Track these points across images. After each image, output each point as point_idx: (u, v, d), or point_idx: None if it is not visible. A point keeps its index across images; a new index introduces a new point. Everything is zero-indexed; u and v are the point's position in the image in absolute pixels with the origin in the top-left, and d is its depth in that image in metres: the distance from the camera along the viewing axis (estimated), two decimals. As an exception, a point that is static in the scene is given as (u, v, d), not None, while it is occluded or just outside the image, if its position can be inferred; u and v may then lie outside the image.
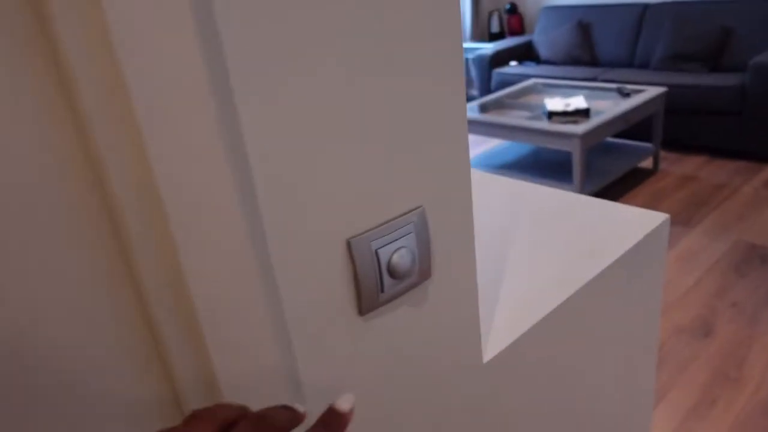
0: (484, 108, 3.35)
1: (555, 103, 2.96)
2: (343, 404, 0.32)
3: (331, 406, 0.32)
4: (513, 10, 4.98)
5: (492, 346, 0.64)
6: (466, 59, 5.09)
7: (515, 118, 3.04)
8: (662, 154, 3.56)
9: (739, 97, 3.19)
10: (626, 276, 0.84)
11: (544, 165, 3.23)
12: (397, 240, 0.47)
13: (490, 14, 5.11)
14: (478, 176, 1.15)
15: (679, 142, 3.59)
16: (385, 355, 0.51)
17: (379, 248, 0.46)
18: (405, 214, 0.47)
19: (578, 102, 2.96)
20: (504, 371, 0.65)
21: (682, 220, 2.77)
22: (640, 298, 0.90)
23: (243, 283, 0.38)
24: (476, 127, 3.14)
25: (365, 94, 0.41)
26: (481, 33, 5.16)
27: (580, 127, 2.68)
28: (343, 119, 0.41)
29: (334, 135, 0.40)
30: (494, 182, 1.11)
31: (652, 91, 3.13)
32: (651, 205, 2.95)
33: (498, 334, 0.66)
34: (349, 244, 0.44)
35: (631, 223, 0.90)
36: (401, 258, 0.47)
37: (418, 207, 0.48)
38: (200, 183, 0.34)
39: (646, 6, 4.05)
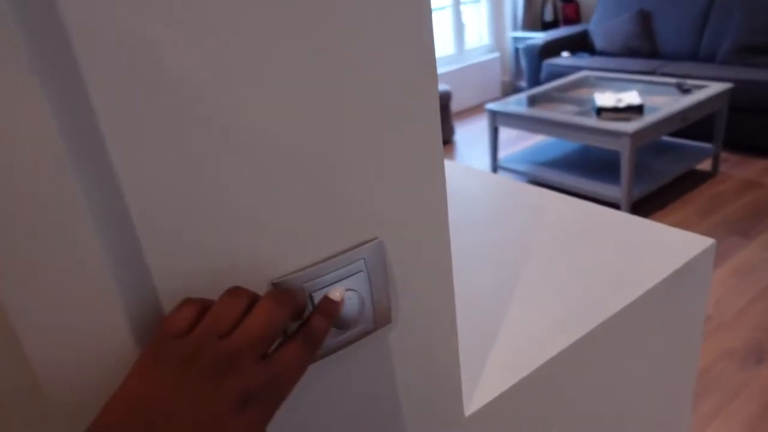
0: (532, 101, 3.18)
1: (605, 99, 2.77)
2: (335, 294, 0.36)
3: (326, 295, 0.36)
4: (569, -3, 4.73)
5: (480, 396, 0.54)
6: (516, 49, 4.88)
7: (562, 113, 2.87)
8: (723, 155, 3.29)
9: (816, 97, 2.90)
10: (658, 311, 0.72)
11: (593, 164, 3.04)
12: (342, 280, 0.38)
13: (544, 2, 4.87)
14: (495, 182, 1.04)
15: (743, 144, 3.31)
16: (331, 413, 0.42)
17: (314, 291, 0.37)
18: (353, 248, 0.38)
19: (631, 97, 2.75)
20: (494, 424, 0.55)
21: (740, 230, 2.54)
22: (675, 334, 0.78)
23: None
24: (519, 121, 2.98)
25: (288, 79, 0.32)
26: (534, 22, 4.92)
27: (631, 125, 2.49)
28: (262, 123, 0.32)
29: (250, 146, 0.32)
30: (516, 190, 1.00)
31: (715, 87, 2.89)
32: (706, 212, 2.73)
33: (491, 381, 0.56)
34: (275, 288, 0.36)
35: (669, 247, 0.77)
36: (346, 301, 0.38)
37: (372, 239, 0.39)
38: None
39: (715, -7, 3.75)
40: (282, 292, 0.33)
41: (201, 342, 0.29)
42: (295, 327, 0.34)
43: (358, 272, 0.39)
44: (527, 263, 0.76)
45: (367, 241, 0.39)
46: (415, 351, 0.46)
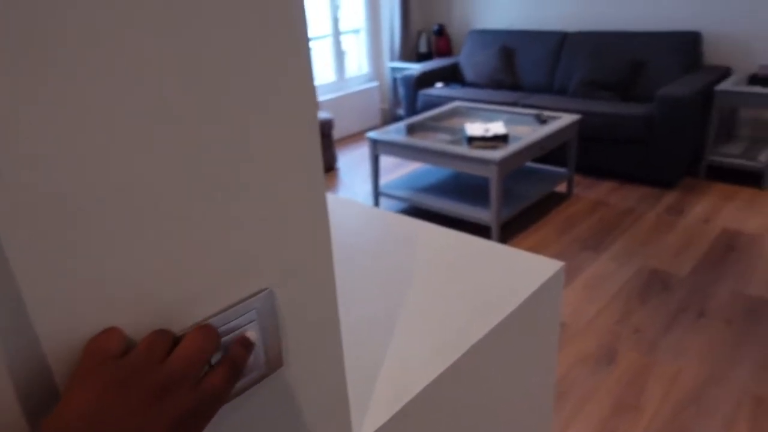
0: (410, 129, 3.36)
1: (475, 128, 3.01)
2: (250, 333, 0.41)
3: (244, 334, 0.40)
4: (441, 31, 5.07)
5: (370, 422, 0.59)
6: (394, 78, 5.12)
7: (437, 141, 3.06)
8: (577, 179, 3.71)
9: (646, 127, 3.37)
10: (519, 328, 0.82)
11: (465, 188, 3.27)
12: (236, 331, 0.41)
13: (419, 34, 5.17)
14: (374, 215, 1.10)
15: (592, 168, 3.76)
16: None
17: (212, 342, 0.40)
18: (244, 300, 0.41)
19: (497, 128, 3.01)
20: (380, 447, 0.60)
21: (591, 245, 2.87)
22: (535, 347, 0.88)
23: None
24: (399, 149, 3.13)
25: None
26: (410, 53, 5.21)
27: (498, 153, 2.73)
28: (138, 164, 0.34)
29: (135, 209, 0.34)
30: (394, 222, 1.07)
31: (567, 119, 3.25)
32: (563, 230, 3.05)
33: (379, 407, 0.61)
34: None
35: (527, 271, 0.88)
36: (241, 350, 0.41)
37: (264, 290, 0.43)
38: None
39: (565, 35, 4.23)
40: (207, 326, 0.37)
41: (138, 365, 0.31)
42: (218, 357, 0.38)
43: (251, 321, 0.42)
44: (406, 292, 0.83)
45: (258, 292, 0.42)
46: (306, 389, 0.49)
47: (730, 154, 3.47)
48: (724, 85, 3.33)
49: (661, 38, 3.74)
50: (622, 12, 4.08)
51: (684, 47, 3.65)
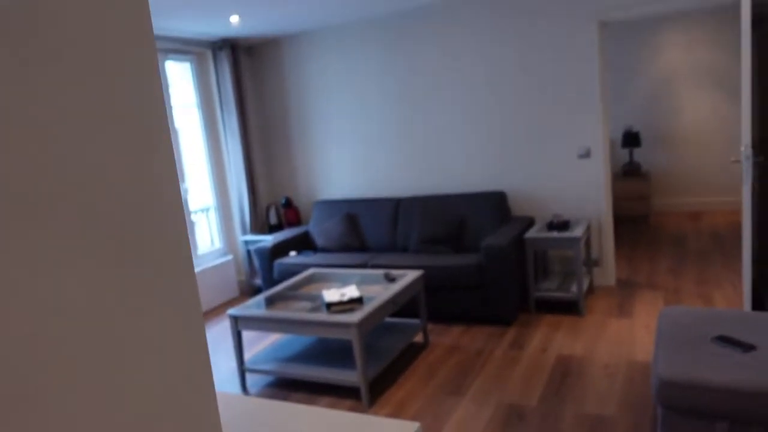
0: (270, 301, 3.46)
1: (331, 294, 3.21)
2: None
3: None
4: (289, 203, 5.45)
5: None
6: (248, 251, 5.28)
7: (297, 311, 3.19)
8: (430, 326, 4.02)
9: (478, 273, 3.86)
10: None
11: (330, 352, 3.37)
12: None
13: (268, 207, 5.50)
14: (241, 403, 1.18)
15: (441, 314, 4.11)
16: None
17: None
18: None
19: (352, 291, 3.25)
20: None
21: (453, 389, 3.08)
22: None
23: None
24: (260, 323, 3.19)
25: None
26: (261, 225, 5.47)
27: (356, 316, 2.92)
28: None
29: None
30: (259, 408, 1.16)
31: (412, 275, 3.61)
32: (427, 378, 3.24)
33: None
34: None
35: (389, 438, 1.01)
36: None
37: None
38: None
39: (399, 200, 4.82)
40: None
41: None
42: None
43: None
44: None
45: None
46: None
47: (549, 289, 4.07)
48: (531, 233, 4.01)
49: (477, 198, 4.45)
50: (442, 179, 4.82)
51: (495, 204, 4.38)
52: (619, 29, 6.59)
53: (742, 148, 2.99)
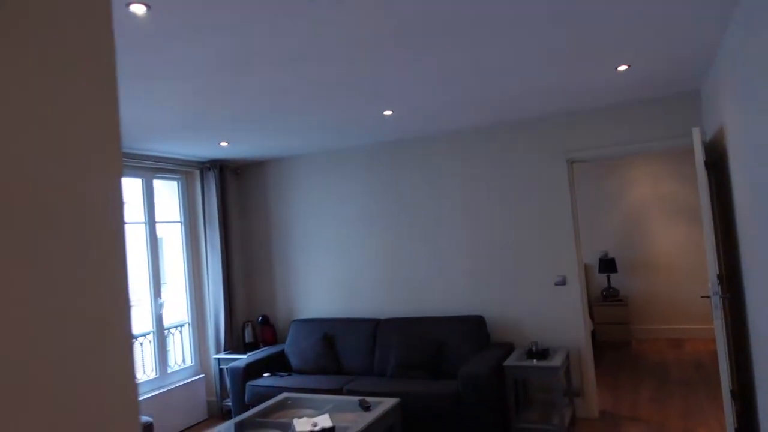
0: (239, 429, 3.28)
1: (303, 424, 3.07)
2: None
3: None
4: (266, 321, 5.35)
5: None
6: (221, 369, 5.09)
7: (265, 441, 3.02)
8: (406, 460, 3.79)
9: (454, 402, 3.74)
10: None
11: (298, 488, 3.15)
12: None
13: (245, 325, 5.39)
14: None
15: (419, 447, 3.91)
16: None
17: None
18: None
19: (324, 420, 3.11)
20: None
21: None
22: None
23: None
24: (225, 453, 3.00)
25: None
26: (236, 343, 5.33)
27: (326, 450, 2.77)
28: None
29: None
30: None
31: (388, 403, 3.48)
32: None
33: None
34: None
35: None
36: None
37: None
38: None
39: (378, 321, 4.77)
40: None
41: None
42: None
43: None
44: None
45: None
46: None
47: (530, 420, 3.93)
48: (510, 360, 3.95)
49: (455, 322, 4.43)
50: (422, 302, 4.83)
51: (474, 328, 4.34)
52: (590, 164, 7.01)
53: (709, 285, 3.07)
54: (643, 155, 6.74)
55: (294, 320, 5.16)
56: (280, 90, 3.11)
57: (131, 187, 4.77)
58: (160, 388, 4.69)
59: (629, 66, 3.19)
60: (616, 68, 3.22)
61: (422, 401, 3.84)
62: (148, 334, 4.76)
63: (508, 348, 4.29)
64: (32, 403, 0.38)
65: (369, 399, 3.61)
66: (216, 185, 5.20)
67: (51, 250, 0.39)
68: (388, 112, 3.87)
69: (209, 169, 5.22)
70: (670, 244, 6.66)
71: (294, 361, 4.80)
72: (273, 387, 4.37)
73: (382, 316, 4.98)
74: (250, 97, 3.20)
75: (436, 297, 4.78)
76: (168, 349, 4.92)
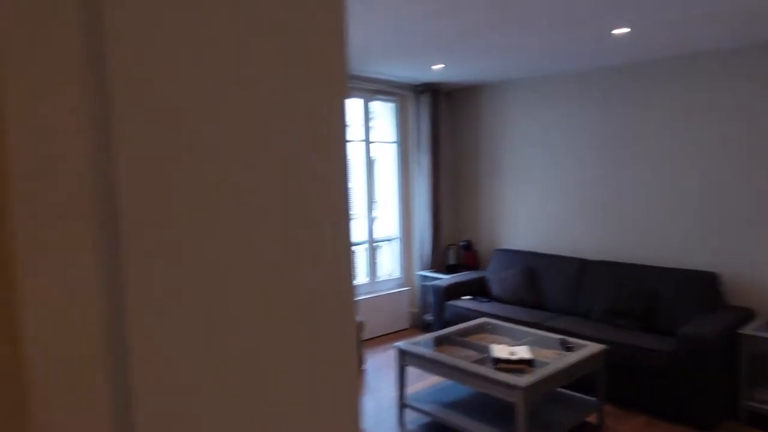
0: (438, 342, 3.44)
1: (500, 350, 3.07)
2: None
3: None
4: (468, 247, 5.42)
5: None
6: (424, 285, 5.36)
7: (463, 359, 3.12)
8: (608, 408, 3.60)
9: (670, 363, 3.38)
10: None
11: (492, 408, 3.22)
12: None
13: (448, 247, 5.53)
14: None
15: (622, 398, 3.67)
16: None
17: None
18: None
19: (523, 351, 3.07)
20: None
21: (625, 489, 2.70)
22: None
23: None
24: (425, 363, 3.18)
25: None
26: (440, 264, 5.52)
27: (524, 379, 2.75)
28: None
29: None
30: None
31: (592, 348, 3.30)
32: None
33: None
34: None
35: None
36: None
37: None
38: None
39: (584, 262, 4.47)
40: None
41: None
42: None
43: None
44: None
45: None
46: None
47: (766, 400, 3.38)
48: (748, 329, 3.40)
49: (679, 274, 3.92)
50: (636, 247, 4.36)
51: (701, 285, 3.80)
52: None
53: None
54: None
55: (496, 249, 5.12)
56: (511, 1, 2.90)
57: (352, 108, 5.07)
58: (370, 293, 5.13)
59: None
60: None
61: (631, 353, 3.55)
62: (363, 243, 5.18)
63: (746, 314, 3.69)
64: (274, 285, 0.40)
65: (571, 339, 3.45)
66: (429, 109, 5.25)
67: (289, 162, 0.42)
68: (621, 30, 3.39)
69: (422, 93, 5.28)
70: None
71: (494, 288, 4.81)
72: (472, 310, 4.45)
73: (589, 256, 4.65)
74: (481, 8, 3.05)
75: (658, 245, 4.27)
76: (376, 261, 5.31)
